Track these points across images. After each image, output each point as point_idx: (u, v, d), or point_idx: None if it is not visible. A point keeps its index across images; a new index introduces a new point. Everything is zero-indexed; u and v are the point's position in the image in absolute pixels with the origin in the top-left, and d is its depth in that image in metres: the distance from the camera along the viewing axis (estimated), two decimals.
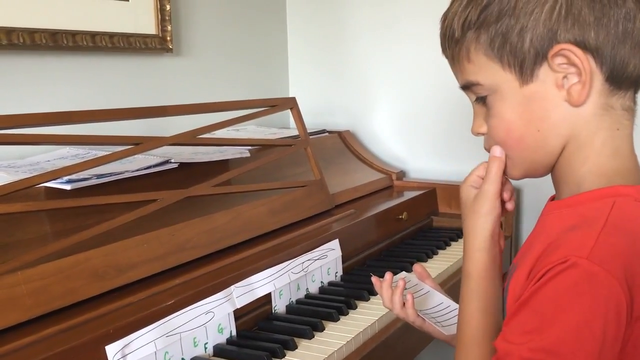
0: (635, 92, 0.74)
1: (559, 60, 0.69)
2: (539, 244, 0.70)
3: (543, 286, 0.64)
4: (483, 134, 0.79)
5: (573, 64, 0.69)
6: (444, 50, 0.79)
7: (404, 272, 1.02)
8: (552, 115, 0.72)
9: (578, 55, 0.68)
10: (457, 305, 0.93)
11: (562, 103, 0.71)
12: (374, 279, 0.99)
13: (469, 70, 0.75)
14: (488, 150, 0.79)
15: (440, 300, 0.97)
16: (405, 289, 0.95)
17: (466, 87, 0.77)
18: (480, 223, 0.78)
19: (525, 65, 0.71)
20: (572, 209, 0.71)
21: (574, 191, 0.73)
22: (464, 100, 0.81)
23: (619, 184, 0.70)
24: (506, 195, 0.81)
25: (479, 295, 0.78)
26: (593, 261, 0.62)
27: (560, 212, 0.73)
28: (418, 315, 0.93)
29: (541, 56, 0.70)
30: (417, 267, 1.03)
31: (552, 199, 0.79)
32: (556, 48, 0.69)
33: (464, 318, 0.79)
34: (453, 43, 0.76)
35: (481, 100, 0.76)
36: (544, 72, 0.71)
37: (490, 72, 0.73)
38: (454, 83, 0.80)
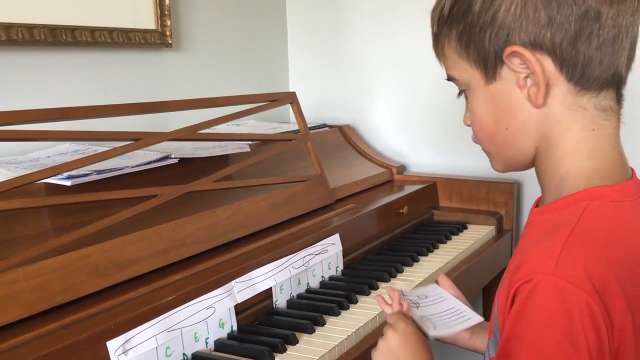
0: (618, 91, 0.71)
1: (516, 61, 0.69)
2: (516, 256, 0.68)
3: (515, 312, 0.63)
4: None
5: (527, 66, 0.68)
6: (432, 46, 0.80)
7: (435, 285, 1.01)
8: (519, 114, 0.71)
9: (528, 57, 0.67)
10: (466, 308, 0.94)
11: (525, 103, 0.70)
12: (378, 298, 0.96)
13: (447, 65, 0.77)
14: (475, 142, 0.80)
15: (452, 305, 0.95)
16: (426, 297, 0.97)
17: (450, 80, 0.78)
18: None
19: (488, 63, 0.70)
20: (548, 217, 0.69)
21: (554, 195, 0.71)
22: None
23: (597, 185, 0.68)
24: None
25: None
26: (559, 276, 0.60)
27: (538, 219, 0.71)
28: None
29: (499, 56, 0.69)
30: (441, 278, 1.02)
31: (537, 203, 0.78)
32: (508, 50, 0.68)
33: None
34: (434, 38, 0.77)
35: (462, 94, 0.78)
36: (506, 71, 0.70)
37: (462, 69, 0.74)
38: None
